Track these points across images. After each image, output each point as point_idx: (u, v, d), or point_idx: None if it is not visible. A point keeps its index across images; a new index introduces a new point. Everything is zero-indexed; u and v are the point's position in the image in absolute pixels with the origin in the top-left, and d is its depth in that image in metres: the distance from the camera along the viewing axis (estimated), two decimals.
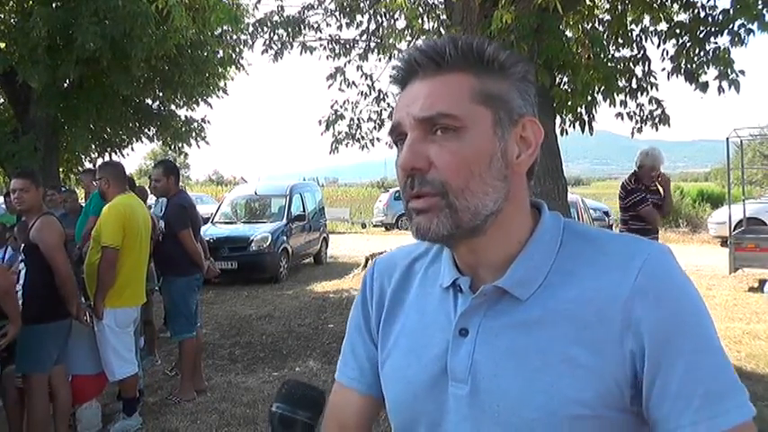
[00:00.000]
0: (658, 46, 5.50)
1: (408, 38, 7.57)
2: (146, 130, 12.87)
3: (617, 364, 0.81)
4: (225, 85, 12.60)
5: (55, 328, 3.99)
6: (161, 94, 12.20)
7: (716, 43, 5.07)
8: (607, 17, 5.90)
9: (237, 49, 11.42)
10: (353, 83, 7.81)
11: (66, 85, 10.50)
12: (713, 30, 5.04)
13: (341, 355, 1.12)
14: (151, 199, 7.02)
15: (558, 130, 5.35)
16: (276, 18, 7.54)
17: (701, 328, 0.82)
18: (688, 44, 5.19)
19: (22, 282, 4.06)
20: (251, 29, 7.87)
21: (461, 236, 0.87)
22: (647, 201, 5.35)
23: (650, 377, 0.81)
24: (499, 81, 0.88)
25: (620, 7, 5.63)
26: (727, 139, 10.19)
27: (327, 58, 7.94)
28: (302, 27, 7.66)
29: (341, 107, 7.83)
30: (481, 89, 0.86)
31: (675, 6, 5.52)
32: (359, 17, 7.73)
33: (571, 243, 0.91)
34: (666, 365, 0.80)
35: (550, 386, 0.82)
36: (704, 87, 5.14)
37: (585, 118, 5.36)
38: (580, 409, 0.81)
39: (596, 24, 5.91)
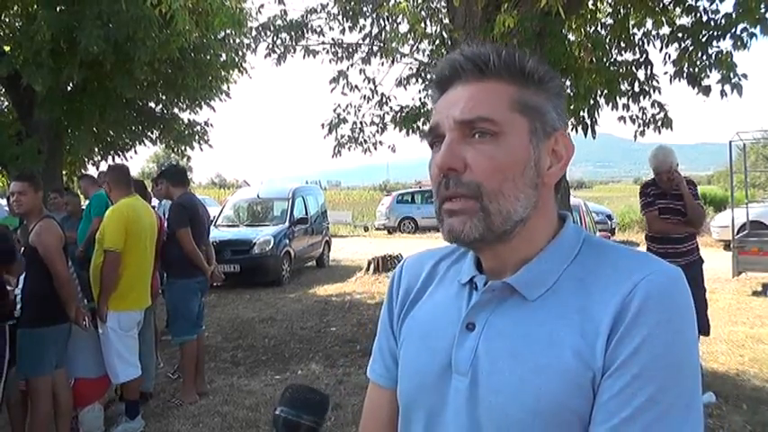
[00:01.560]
0: (661, 50, 5.49)
1: (411, 41, 7.58)
2: (148, 133, 12.89)
3: (601, 374, 0.82)
4: (228, 88, 12.63)
5: (54, 332, 3.98)
6: (164, 97, 12.22)
7: (718, 47, 5.07)
8: (609, 21, 5.90)
9: (240, 53, 11.46)
10: (356, 86, 7.81)
11: (69, 88, 10.53)
12: (716, 33, 5.03)
13: (372, 353, 1.15)
14: (154, 201, 7.04)
15: None
16: (279, 22, 7.55)
17: (662, 357, 0.80)
18: (690, 48, 5.18)
19: (21, 285, 4.06)
20: (254, 32, 7.88)
21: (491, 240, 0.89)
22: (653, 206, 5.00)
23: (602, 377, 0.82)
24: (537, 94, 0.92)
25: (622, 11, 5.64)
26: (730, 142, 10.18)
27: (330, 61, 7.95)
28: (305, 31, 7.67)
29: (344, 111, 7.83)
30: (520, 99, 0.90)
31: (678, 10, 5.52)
32: (362, 21, 7.73)
33: (587, 254, 0.92)
34: (612, 374, 0.81)
35: (539, 388, 0.83)
36: (707, 91, 5.13)
37: (588, 121, 5.36)
38: (564, 413, 0.82)
39: (599, 28, 5.92)
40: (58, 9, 9.21)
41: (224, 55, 11.41)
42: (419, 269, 1.10)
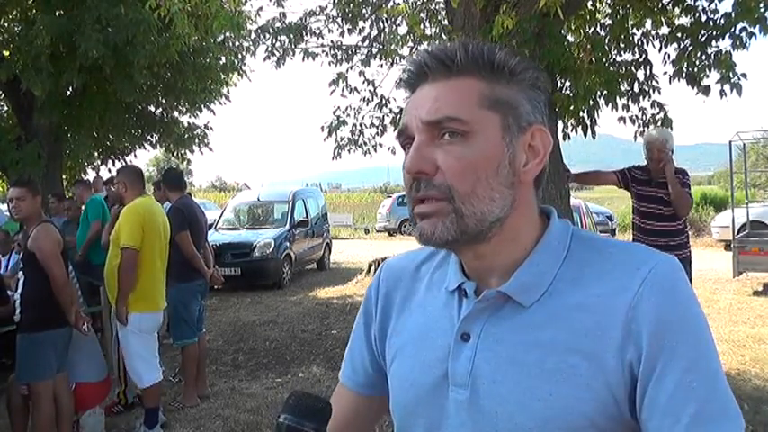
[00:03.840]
0: (660, 50, 5.48)
1: (410, 43, 7.58)
2: (148, 137, 12.91)
3: (616, 374, 0.80)
4: (227, 91, 12.65)
5: (53, 337, 3.94)
6: (164, 101, 12.23)
7: (717, 47, 5.06)
8: (608, 21, 5.90)
9: (240, 56, 11.46)
10: (356, 89, 7.81)
11: (69, 92, 10.56)
12: (715, 33, 5.02)
13: (344, 357, 1.14)
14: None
15: (560, 135, 5.34)
16: (278, 25, 7.55)
17: (699, 345, 0.80)
18: (689, 48, 5.17)
19: (20, 290, 4.04)
20: (253, 35, 7.88)
21: (466, 241, 0.86)
22: (622, 175, 4.96)
23: (642, 387, 0.80)
24: (508, 87, 0.87)
25: (621, 11, 5.63)
26: (730, 142, 10.18)
27: (330, 64, 7.95)
28: (304, 33, 7.67)
29: (343, 113, 7.83)
30: (490, 94, 0.86)
31: (677, 10, 5.51)
32: (361, 23, 7.74)
33: (578, 250, 0.90)
34: (658, 377, 0.79)
35: (548, 394, 0.81)
36: (706, 91, 5.13)
37: (587, 122, 5.35)
38: (576, 418, 0.80)
39: (598, 29, 5.91)
40: (57, 14, 9.24)
41: (223, 58, 11.42)
42: (399, 275, 1.06)
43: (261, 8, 8.20)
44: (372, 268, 11.79)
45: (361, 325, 1.10)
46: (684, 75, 5.24)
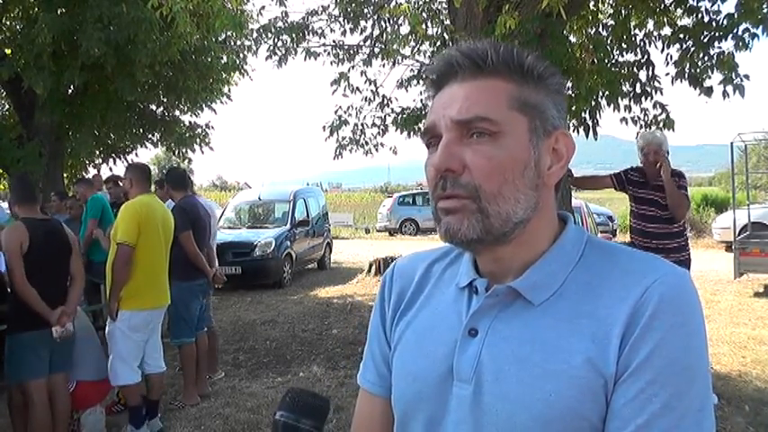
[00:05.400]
0: (662, 50, 5.48)
1: (412, 43, 7.58)
2: (150, 136, 12.91)
3: (614, 380, 0.80)
4: (229, 90, 12.64)
5: (37, 337, 3.85)
6: (165, 100, 12.23)
7: (720, 48, 5.06)
8: (611, 22, 5.90)
9: (241, 55, 11.45)
10: (357, 88, 7.80)
11: (70, 91, 10.55)
12: (717, 34, 5.02)
13: (363, 359, 1.12)
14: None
15: None
16: (280, 24, 7.55)
17: (675, 361, 0.78)
18: (692, 49, 5.18)
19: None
20: (255, 35, 7.87)
21: (489, 242, 0.87)
22: (619, 178, 4.85)
23: (612, 405, 0.80)
24: (536, 91, 0.88)
25: (623, 12, 5.63)
26: (732, 143, 10.17)
27: (331, 63, 7.94)
28: (306, 33, 7.66)
29: (345, 113, 7.82)
30: (519, 96, 0.87)
31: (679, 11, 5.52)
32: (363, 23, 7.73)
33: (592, 256, 0.90)
34: (624, 380, 0.79)
35: (549, 395, 0.81)
36: (708, 92, 5.12)
37: (589, 123, 5.35)
38: (577, 420, 0.80)
39: (600, 29, 5.92)
40: (58, 12, 9.23)
41: (225, 57, 11.41)
42: (411, 272, 1.06)
43: (263, 7, 8.21)
44: (373, 268, 11.79)
45: (379, 327, 1.09)
46: (687, 76, 5.24)
